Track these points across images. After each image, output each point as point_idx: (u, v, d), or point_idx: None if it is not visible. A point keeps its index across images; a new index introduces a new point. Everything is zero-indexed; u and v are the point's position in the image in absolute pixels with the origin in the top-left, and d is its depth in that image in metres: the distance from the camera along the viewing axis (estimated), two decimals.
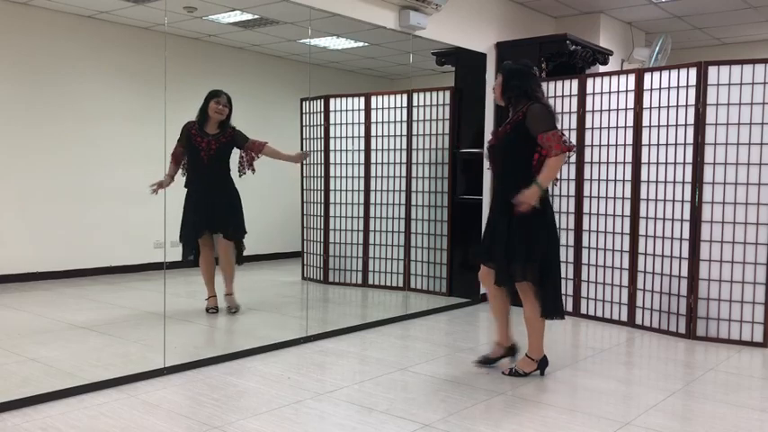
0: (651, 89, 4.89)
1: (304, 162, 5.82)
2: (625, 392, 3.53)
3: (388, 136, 6.07)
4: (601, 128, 5.20)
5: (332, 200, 6.24)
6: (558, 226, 5.42)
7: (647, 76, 4.92)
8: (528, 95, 3.55)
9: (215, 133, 4.76)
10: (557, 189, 5.44)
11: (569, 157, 3.73)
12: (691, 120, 4.65)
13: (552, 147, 3.41)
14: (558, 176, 5.37)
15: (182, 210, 4.74)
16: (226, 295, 4.96)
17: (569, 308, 5.40)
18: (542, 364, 3.72)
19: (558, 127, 3.56)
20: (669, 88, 4.78)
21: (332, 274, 6.24)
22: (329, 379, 3.60)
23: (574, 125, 5.35)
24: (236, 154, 4.86)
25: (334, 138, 6.18)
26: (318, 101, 6.17)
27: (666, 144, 4.80)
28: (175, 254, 4.71)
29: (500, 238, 3.57)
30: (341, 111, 6.15)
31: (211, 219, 4.82)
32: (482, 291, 5.91)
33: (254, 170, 4.83)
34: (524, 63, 3.71)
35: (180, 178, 4.74)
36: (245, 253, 4.99)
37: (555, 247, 3.63)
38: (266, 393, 3.31)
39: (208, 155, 4.72)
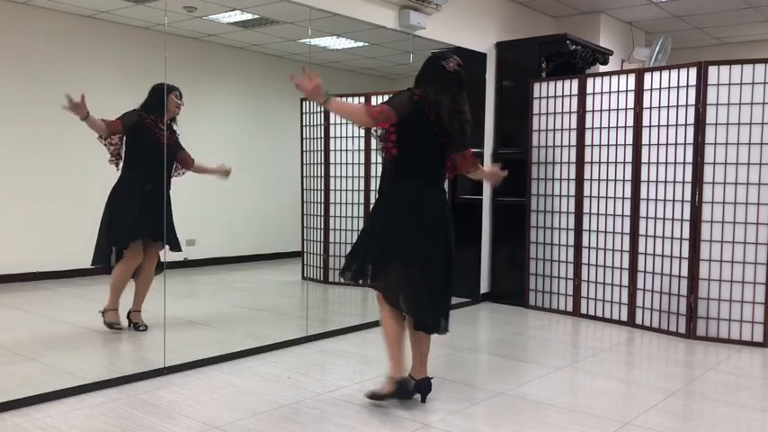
0: (651, 89, 4.89)
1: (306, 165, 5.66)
2: (625, 392, 3.53)
3: None
4: (601, 128, 5.20)
5: (332, 200, 6.23)
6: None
7: (647, 76, 4.92)
8: (417, 85, 3.17)
9: (169, 129, 4.30)
10: (557, 189, 5.44)
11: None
12: (691, 120, 4.65)
13: (369, 110, 2.96)
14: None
15: (112, 204, 4.27)
16: (135, 312, 4.35)
17: (569, 308, 5.40)
18: (400, 388, 3.10)
19: (394, 110, 2.99)
20: (669, 88, 4.78)
21: (332, 274, 6.22)
22: (329, 379, 3.60)
23: (574, 125, 5.35)
24: None
25: (334, 138, 6.17)
26: None
27: (666, 144, 4.80)
28: (175, 254, 4.70)
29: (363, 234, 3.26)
30: None
31: (158, 222, 4.13)
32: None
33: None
34: (438, 53, 3.26)
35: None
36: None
37: (411, 252, 3.03)
38: (266, 393, 3.31)
39: (166, 149, 4.17)
